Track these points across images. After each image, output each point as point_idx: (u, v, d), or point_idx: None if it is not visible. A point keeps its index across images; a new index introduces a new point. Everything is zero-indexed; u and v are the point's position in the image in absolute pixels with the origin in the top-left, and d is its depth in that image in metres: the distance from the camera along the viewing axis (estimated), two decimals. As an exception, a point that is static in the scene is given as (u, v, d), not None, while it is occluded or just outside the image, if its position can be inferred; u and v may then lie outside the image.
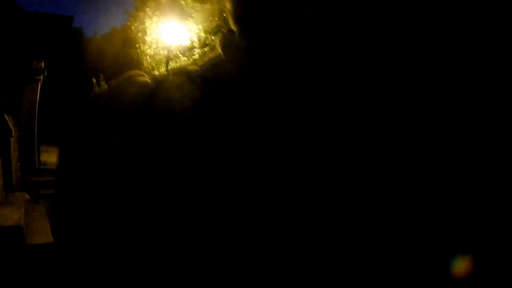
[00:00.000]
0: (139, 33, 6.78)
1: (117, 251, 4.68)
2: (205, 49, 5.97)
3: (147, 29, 6.59)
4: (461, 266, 3.04)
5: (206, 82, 5.52)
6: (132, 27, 7.02)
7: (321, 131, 4.16)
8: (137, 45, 7.00)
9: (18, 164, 7.19)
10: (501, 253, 3.02)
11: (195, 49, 6.00)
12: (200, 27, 5.86)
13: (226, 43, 5.58)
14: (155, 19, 6.40)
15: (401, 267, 3.25)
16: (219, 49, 5.72)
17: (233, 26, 5.84)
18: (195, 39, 5.95)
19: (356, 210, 3.67)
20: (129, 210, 5.15)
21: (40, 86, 8.74)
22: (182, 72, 5.83)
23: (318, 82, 4.39)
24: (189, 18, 5.90)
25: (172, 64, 6.11)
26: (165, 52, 6.41)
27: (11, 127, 6.86)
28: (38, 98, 8.56)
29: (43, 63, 8.61)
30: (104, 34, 11.88)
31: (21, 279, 4.07)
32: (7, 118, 6.80)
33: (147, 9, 6.47)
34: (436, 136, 3.74)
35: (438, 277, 3.06)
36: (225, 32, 5.67)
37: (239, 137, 4.81)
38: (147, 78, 6.14)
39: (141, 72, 6.35)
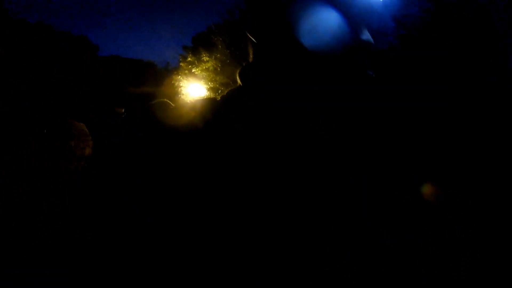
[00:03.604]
0: (179, 88, 11.40)
1: (117, 251, 4.68)
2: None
3: (182, 87, 11.32)
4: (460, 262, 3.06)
5: (224, 103, 5.70)
6: (175, 84, 11.63)
7: (321, 131, 4.16)
8: (179, 95, 11.36)
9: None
10: (501, 252, 3.04)
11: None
12: (207, 86, 10.38)
13: (241, 72, 5.75)
14: (185, 81, 11.18)
15: (401, 267, 3.26)
16: (239, 81, 6.05)
17: (250, 58, 6.04)
18: (207, 92, 10.40)
19: (356, 210, 3.68)
20: (129, 209, 5.15)
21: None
22: (204, 99, 7.40)
23: (318, 82, 4.40)
24: (201, 81, 10.64)
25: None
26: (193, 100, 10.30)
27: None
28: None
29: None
30: (172, 70, 14.28)
31: (21, 279, 4.07)
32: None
33: (179, 76, 11.52)
34: (436, 136, 3.75)
35: (438, 277, 3.07)
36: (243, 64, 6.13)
37: (239, 136, 4.82)
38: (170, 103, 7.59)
39: (167, 100, 8.32)
